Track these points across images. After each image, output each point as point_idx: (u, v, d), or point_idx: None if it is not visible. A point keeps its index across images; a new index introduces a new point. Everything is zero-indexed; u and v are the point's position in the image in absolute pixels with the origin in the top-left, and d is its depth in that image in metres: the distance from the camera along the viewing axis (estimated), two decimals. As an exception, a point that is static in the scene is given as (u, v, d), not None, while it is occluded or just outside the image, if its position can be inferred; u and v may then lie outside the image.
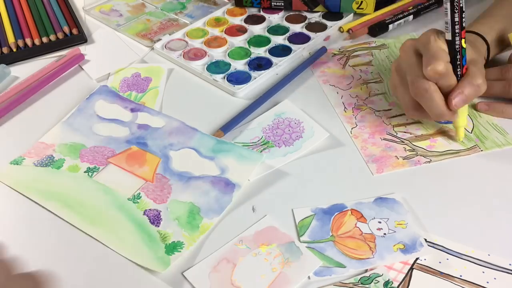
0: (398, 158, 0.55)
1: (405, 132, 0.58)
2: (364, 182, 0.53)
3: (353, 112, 0.61)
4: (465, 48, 0.53)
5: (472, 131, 0.58)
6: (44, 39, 0.74)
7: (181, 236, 0.48)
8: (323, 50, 0.70)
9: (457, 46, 0.52)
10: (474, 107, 0.60)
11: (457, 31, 0.51)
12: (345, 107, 0.62)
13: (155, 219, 0.50)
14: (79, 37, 0.75)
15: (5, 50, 0.72)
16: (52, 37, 0.74)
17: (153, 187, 0.53)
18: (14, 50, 0.72)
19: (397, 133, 0.58)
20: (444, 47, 0.52)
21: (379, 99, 0.63)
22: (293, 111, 0.61)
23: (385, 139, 0.58)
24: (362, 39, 0.74)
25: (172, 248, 0.47)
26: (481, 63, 0.56)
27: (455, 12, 0.50)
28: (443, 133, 0.58)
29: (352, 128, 0.59)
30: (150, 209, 0.51)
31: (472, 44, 0.58)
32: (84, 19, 0.81)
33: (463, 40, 0.52)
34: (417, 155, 0.56)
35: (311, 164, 0.55)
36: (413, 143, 0.57)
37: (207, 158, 0.56)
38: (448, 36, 0.52)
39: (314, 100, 0.63)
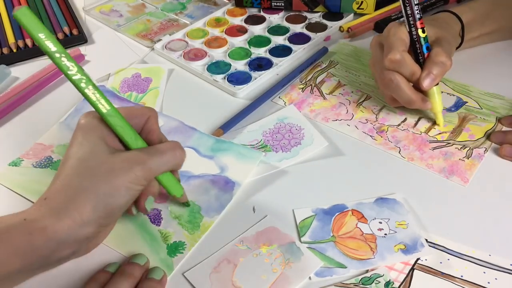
0: (464, 160, 0.55)
1: (439, 133, 0.58)
2: (364, 182, 0.53)
3: (381, 137, 0.58)
4: (424, 37, 0.56)
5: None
6: None
7: (182, 235, 0.48)
8: (324, 50, 0.70)
9: (414, 36, 0.56)
10: (499, 153, 0.56)
11: (411, 22, 0.56)
12: (371, 136, 0.58)
13: (156, 218, 0.50)
14: (79, 38, 0.75)
15: (5, 50, 0.72)
16: None
17: None
18: (15, 50, 0.72)
19: (436, 138, 0.58)
20: (404, 37, 0.56)
21: (387, 114, 0.61)
22: (296, 117, 0.61)
23: (434, 148, 0.56)
24: (365, 37, 0.74)
25: (174, 249, 0.47)
26: (447, 41, 0.59)
27: (406, 6, 0.55)
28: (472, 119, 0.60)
29: (399, 152, 0.56)
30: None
31: (444, 22, 0.62)
32: (84, 19, 0.81)
33: (420, 30, 0.56)
34: (471, 149, 0.56)
35: (312, 165, 0.55)
36: (457, 140, 0.57)
37: (206, 157, 0.56)
38: (407, 28, 0.56)
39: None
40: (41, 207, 0.41)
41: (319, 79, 0.67)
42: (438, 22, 0.61)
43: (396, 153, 0.56)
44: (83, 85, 0.41)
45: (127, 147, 0.45)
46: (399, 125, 0.60)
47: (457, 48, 0.65)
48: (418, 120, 0.60)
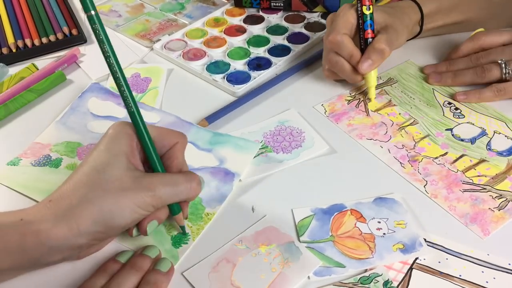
0: (494, 211, 0.49)
1: (478, 176, 0.53)
2: (363, 182, 0.53)
3: (412, 166, 0.54)
4: (369, 14, 0.59)
5: None
6: (44, 40, 0.74)
7: (186, 226, 0.49)
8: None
9: (359, 12, 0.60)
10: (452, 97, 0.62)
11: None
12: (401, 163, 0.55)
13: None
14: (79, 38, 0.75)
15: (4, 50, 0.72)
16: (52, 38, 0.74)
17: None
18: (14, 50, 0.72)
19: (472, 180, 0.52)
20: (352, 19, 0.60)
21: (427, 144, 0.57)
22: (297, 120, 0.61)
23: (465, 190, 0.51)
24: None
25: (179, 240, 0.48)
26: (394, 29, 0.61)
27: None
28: None
29: (424, 186, 0.52)
30: None
31: (400, 10, 0.64)
32: (83, 19, 0.81)
33: (365, 7, 0.59)
34: (508, 201, 0.50)
35: (310, 164, 0.55)
36: (495, 187, 0.51)
37: (204, 150, 0.57)
38: (357, 4, 0.60)
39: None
40: (42, 209, 0.41)
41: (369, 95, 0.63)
42: (394, 10, 0.63)
43: (421, 186, 0.52)
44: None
45: (147, 168, 0.45)
46: (436, 158, 0.55)
47: (415, 36, 0.67)
48: (460, 157, 0.55)
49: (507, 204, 0.50)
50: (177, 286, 0.45)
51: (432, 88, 0.64)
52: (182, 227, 0.48)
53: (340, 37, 0.59)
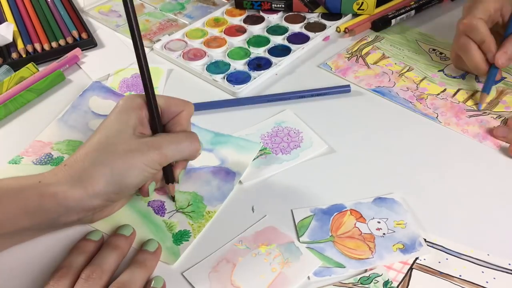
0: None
1: (476, 104, 0.62)
2: (363, 182, 0.53)
3: (421, 103, 0.63)
4: None
5: None
6: (54, 44, 0.73)
7: (187, 224, 0.49)
8: (346, 89, 0.65)
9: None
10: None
11: None
12: (411, 102, 0.63)
13: (160, 209, 0.51)
14: (89, 42, 0.74)
15: (14, 55, 0.70)
16: (62, 42, 0.73)
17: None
18: (24, 56, 0.71)
19: (473, 107, 0.62)
20: (491, 8, 0.60)
21: (427, 84, 0.66)
22: (293, 121, 0.61)
23: (471, 116, 0.61)
24: (361, 36, 0.75)
25: (180, 237, 0.48)
26: None
27: None
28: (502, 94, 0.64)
29: (437, 117, 0.61)
30: (153, 200, 0.52)
31: None
32: (92, 23, 0.81)
33: None
34: (506, 118, 0.60)
35: (310, 164, 0.55)
36: (493, 110, 0.61)
37: (206, 150, 0.57)
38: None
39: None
40: (59, 173, 0.44)
41: (364, 51, 0.72)
42: None
43: (434, 118, 0.61)
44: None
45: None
46: (438, 94, 0.64)
47: None
48: (457, 91, 0.64)
49: (507, 121, 0.60)
50: (177, 286, 0.45)
51: (415, 40, 0.74)
52: (173, 197, 0.52)
53: (475, 20, 0.59)
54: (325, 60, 0.70)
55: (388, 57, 0.71)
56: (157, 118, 0.48)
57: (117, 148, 0.44)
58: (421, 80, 0.66)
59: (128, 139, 0.45)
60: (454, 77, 0.67)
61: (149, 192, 0.48)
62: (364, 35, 0.75)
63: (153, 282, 0.44)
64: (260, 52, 0.71)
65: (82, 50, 0.73)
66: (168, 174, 0.50)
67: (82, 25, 0.77)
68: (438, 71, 0.68)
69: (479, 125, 0.59)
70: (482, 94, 0.62)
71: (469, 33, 0.61)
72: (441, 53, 0.71)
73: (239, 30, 0.76)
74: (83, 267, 0.44)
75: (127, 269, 0.44)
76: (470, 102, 0.63)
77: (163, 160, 0.46)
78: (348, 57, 0.71)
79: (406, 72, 0.68)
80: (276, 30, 0.75)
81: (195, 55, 0.71)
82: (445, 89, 0.65)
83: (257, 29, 0.76)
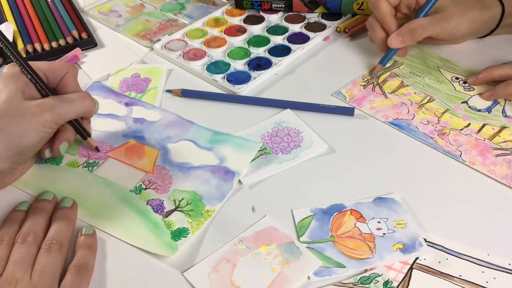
0: None
1: (504, 141, 0.56)
2: (362, 182, 0.53)
3: (443, 139, 0.57)
4: None
5: None
6: (54, 44, 0.72)
7: (186, 222, 0.49)
8: (350, 111, 0.61)
9: None
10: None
11: None
12: (432, 138, 0.57)
13: (159, 208, 0.51)
14: (89, 41, 0.74)
15: None
16: (62, 42, 0.73)
17: (154, 178, 0.54)
18: (24, 55, 0.71)
19: (500, 145, 0.56)
20: None
21: (449, 117, 0.60)
22: (293, 121, 0.61)
23: (498, 155, 0.55)
24: (363, 36, 0.74)
25: (178, 234, 0.48)
26: (445, 16, 0.62)
27: None
28: None
29: (460, 156, 0.55)
30: (152, 199, 0.52)
31: (476, 1, 0.64)
32: (91, 22, 0.81)
33: None
34: None
35: (310, 164, 0.55)
36: None
37: (205, 149, 0.57)
38: None
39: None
40: None
41: (381, 78, 0.66)
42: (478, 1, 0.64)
43: (457, 156, 0.55)
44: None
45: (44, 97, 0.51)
46: (461, 129, 0.58)
47: (491, 32, 0.68)
48: (483, 126, 0.58)
49: None
50: (177, 286, 0.45)
51: (437, 66, 0.68)
52: (96, 148, 0.56)
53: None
54: (339, 89, 0.64)
55: (408, 85, 0.65)
56: (40, 81, 0.50)
57: (11, 113, 0.47)
58: (443, 113, 0.60)
59: (20, 103, 0.48)
60: (479, 110, 0.60)
61: (60, 152, 0.52)
62: (365, 35, 0.74)
63: (83, 230, 0.47)
64: (260, 52, 0.71)
65: (82, 50, 0.73)
66: (80, 131, 0.54)
67: (82, 25, 0.77)
68: (462, 103, 0.62)
69: (507, 165, 0.54)
70: (378, 65, 0.65)
71: (372, 9, 0.65)
72: (464, 82, 0.64)
73: (239, 30, 0.76)
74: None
75: (51, 226, 0.47)
76: (496, 140, 0.57)
77: (57, 119, 0.49)
78: (364, 85, 0.65)
79: (426, 103, 0.62)
80: (276, 30, 0.75)
81: (195, 55, 0.71)
82: (469, 124, 0.59)
83: (257, 29, 0.76)
